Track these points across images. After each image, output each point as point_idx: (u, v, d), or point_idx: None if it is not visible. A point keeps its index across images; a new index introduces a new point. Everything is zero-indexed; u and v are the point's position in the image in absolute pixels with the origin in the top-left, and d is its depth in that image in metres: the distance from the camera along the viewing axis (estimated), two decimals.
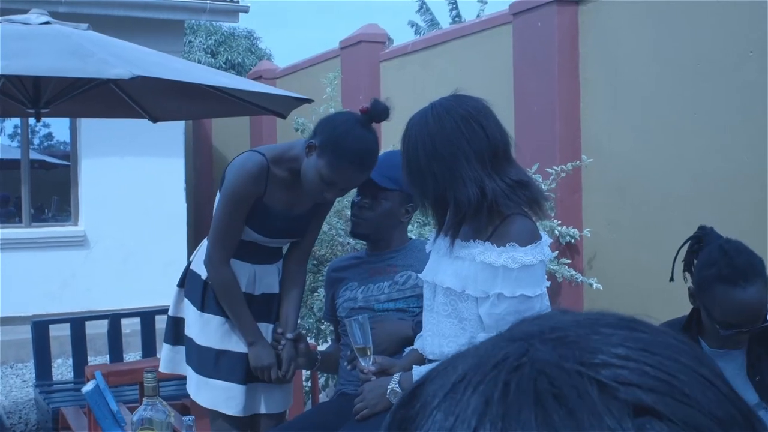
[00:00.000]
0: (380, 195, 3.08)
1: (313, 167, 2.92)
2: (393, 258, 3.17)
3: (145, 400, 2.69)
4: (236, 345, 3.15)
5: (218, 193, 3.13)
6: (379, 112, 2.92)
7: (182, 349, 3.27)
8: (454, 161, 2.38)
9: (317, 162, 2.90)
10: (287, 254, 3.34)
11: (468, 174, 2.36)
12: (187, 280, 3.27)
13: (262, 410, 3.24)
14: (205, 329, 3.16)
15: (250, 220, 3.08)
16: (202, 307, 3.17)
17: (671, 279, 2.82)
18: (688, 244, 2.80)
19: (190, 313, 3.21)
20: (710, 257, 2.61)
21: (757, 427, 0.50)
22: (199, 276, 3.19)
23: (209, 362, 3.14)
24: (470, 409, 0.49)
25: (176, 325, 3.28)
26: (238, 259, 3.14)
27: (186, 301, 3.24)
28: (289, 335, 3.18)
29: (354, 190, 3.18)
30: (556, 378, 0.49)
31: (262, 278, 3.22)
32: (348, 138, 2.88)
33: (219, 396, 3.15)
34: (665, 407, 0.48)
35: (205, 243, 3.20)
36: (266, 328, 3.21)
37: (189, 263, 3.30)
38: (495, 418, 0.48)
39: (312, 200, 3.12)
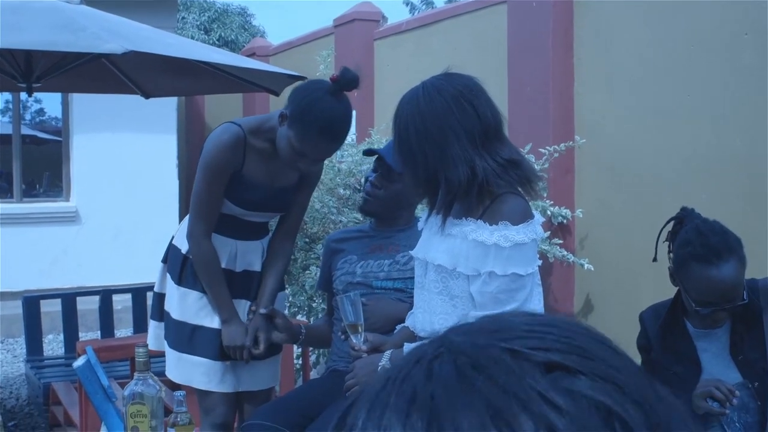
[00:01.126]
0: (394, 176, 3.06)
1: (285, 137, 2.91)
2: (397, 236, 3.15)
3: (136, 374, 2.70)
4: (211, 321, 3.12)
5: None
6: (348, 80, 2.90)
7: None
8: (445, 140, 2.37)
9: (288, 132, 2.89)
10: (274, 230, 3.32)
11: (458, 153, 2.36)
12: (168, 254, 3.26)
13: (246, 387, 3.23)
14: (182, 303, 3.14)
15: (230, 192, 3.05)
16: (179, 281, 3.15)
17: (654, 259, 2.84)
18: (670, 225, 2.83)
19: (169, 287, 3.20)
20: (686, 237, 2.66)
21: (652, 380, 0.56)
22: (179, 250, 3.17)
23: (184, 337, 3.13)
24: (400, 400, 0.53)
25: (162, 302, 3.27)
26: (220, 234, 3.11)
27: (168, 276, 3.24)
28: (262, 310, 3.14)
29: (369, 166, 3.19)
30: (472, 354, 0.54)
31: (244, 255, 3.18)
32: (316, 107, 2.85)
33: (193, 372, 3.13)
34: (572, 362, 0.53)
35: (187, 219, 3.19)
36: (245, 306, 3.19)
37: (171, 238, 3.29)
38: (424, 399, 0.52)
39: (293, 171, 3.11)
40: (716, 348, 2.72)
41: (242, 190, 3.05)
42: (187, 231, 3.11)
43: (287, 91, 5.50)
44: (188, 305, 3.13)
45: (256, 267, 3.22)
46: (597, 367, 0.53)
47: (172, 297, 3.17)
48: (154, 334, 3.30)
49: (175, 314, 3.16)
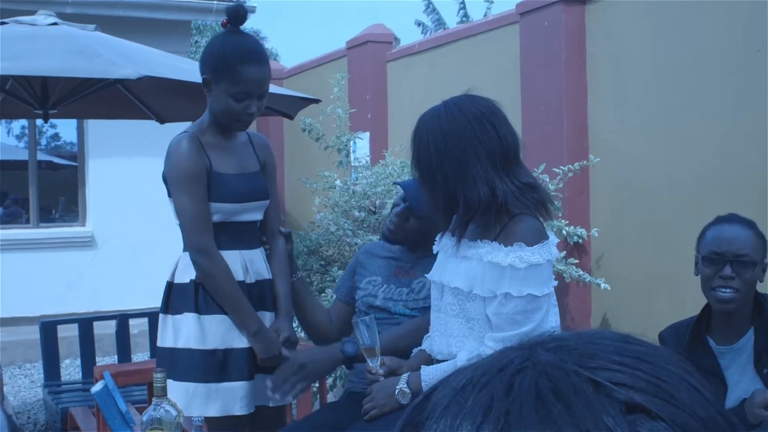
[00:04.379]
0: (421, 214, 3.01)
1: (219, 96, 2.94)
2: (419, 263, 3.09)
3: (154, 400, 2.69)
4: (240, 340, 3.05)
5: (169, 197, 3.08)
6: (237, 14, 2.98)
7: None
8: (466, 159, 2.39)
9: (219, 88, 2.93)
10: (262, 236, 3.25)
11: (479, 173, 2.38)
12: (173, 296, 3.13)
13: (268, 402, 3.18)
14: (208, 332, 3.05)
15: (213, 192, 3.01)
16: (198, 310, 3.05)
17: (696, 273, 2.88)
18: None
19: (185, 325, 3.07)
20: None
21: (734, 425, 0.55)
22: (187, 283, 3.08)
23: (216, 366, 3.04)
24: (476, 407, 0.53)
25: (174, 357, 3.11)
26: (224, 249, 3.05)
27: (175, 318, 3.10)
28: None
29: (383, 188, 3.15)
30: (555, 377, 0.53)
31: (252, 263, 3.13)
32: (227, 48, 2.94)
33: (232, 399, 3.04)
34: (654, 406, 0.52)
35: (181, 257, 3.12)
36: (263, 317, 3.11)
37: (170, 283, 3.16)
38: (499, 413, 0.52)
39: (253, 157, 3.14)
40: (740, 363, 2.72)
41: (223, 184, 3.03)
42: (191, 254, 3.03)
43: (301, 114, 5.54)
44: (213, 331, 3.05)
45: (266, 275, 3.18)
46: (679, 416, 0.52)
47: (194, 332, 3.06)
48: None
49: (205, 345, 3.05)
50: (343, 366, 3.13)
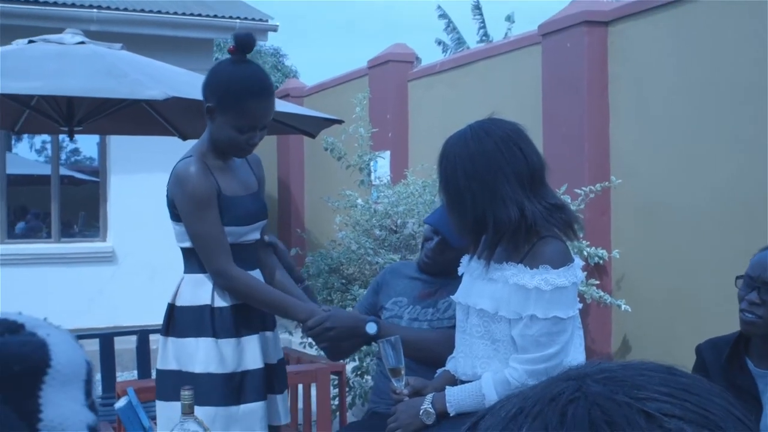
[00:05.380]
0: (456, 245, 3.00)
1: (223, 126, 2.89)
2: (445, 285, 3.11)
3: (181, 417, 2.71)
4: (254, 361, 3.05)
5: (173, 220, 3.06)
6: (246, 43, 2.92)
7: None
8: (495, 181, 2.41)
9: (223, 118, 2.88)
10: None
11: (509, 194, 2.40)
12: (176, 319, 3.07)
13: (280, 421, 3.17)
14: (226, 356, 3.02)
15: (227, 216, 2.99)
16: (215, 334, 3.01)
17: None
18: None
19: (203, 349, 3.02)
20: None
21: None
22: (200, 306, 3.02)
23: (235, 388, 3.02)
24: None
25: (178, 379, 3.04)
26: None
27: (181, 341, 3.05)
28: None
29: (404, 207, 3.15)
30: (608, 408, 0.54)
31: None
32: (235, 80, 2.88)
33: (252, 420, 3.04)
34: None
35: (183, 279, 3.07)
36: (264, 337, 3.11)
37: (172, 305, 3.09)
38: None
39: (252, 176, 3.13)
40: None
41: (233, 207, 3.01)
42: (216, 279, 3.00)
43: (323, 133, 5.57)
44: (229, 354, 3.02)
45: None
46: None
47: (212, 356, 3.01)
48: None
49: (218, 368, 3.01)
50: (358, 377, 3.14)
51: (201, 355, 3.01)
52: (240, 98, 2.86)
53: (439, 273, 3.14)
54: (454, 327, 2.76)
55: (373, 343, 3.10)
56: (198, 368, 3.01)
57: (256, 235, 3.17)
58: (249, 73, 2.91)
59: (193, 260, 3.05)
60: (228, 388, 3.03)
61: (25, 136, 10.56)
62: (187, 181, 2.94)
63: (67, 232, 10.15)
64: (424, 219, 3.68)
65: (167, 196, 3.05)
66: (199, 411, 2.97)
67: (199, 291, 3.02)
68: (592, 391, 0.56)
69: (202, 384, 2.98)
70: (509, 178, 2.41)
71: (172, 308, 3.08)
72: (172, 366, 3.05)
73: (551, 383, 0.59)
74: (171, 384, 3.01)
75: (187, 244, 3.05)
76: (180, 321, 3.04)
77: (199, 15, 9.43)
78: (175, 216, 3.04)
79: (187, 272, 3.07)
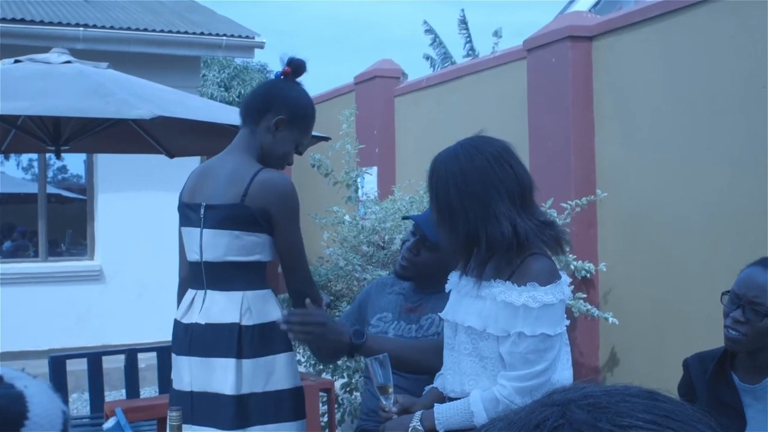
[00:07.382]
0: (431, 244, 3.01)
1: (286, 138, 3.01)
2: (428, 300, 3.11)
3: None
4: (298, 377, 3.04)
5: (254, 231, 2.91)
6: (301, 68, 3.10)
7: None
8: (488, 198, 2.42)
9: (290, 133, 3.01)
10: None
11: (501, 211, 2.41)
12: (251, 340, 2.89)
13: None
14: (292, 368, 2.98)
15: None
16: (291, 348, 2.96)
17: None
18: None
19: (279, 366, 2.92)
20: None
21: None
22: (272, 323, 2.90)
23: (302, 402, 2.99)
24: None
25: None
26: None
27: (264, 360, 2.91)
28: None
29: (392, 224, 3.19)
30: None
31: None
32: (307, 100, 3.09)
33: None
34: None
35: (245, 297, 2.90)
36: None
37: (240, 326, 2.88)
38: None
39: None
40: (763, 404, 2.72)
41: None
42: (305, 286, 2.97)
43: (310, 150, 5.57)
44: (295, 368, 3.01)
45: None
46: None
47: (284, 369, 2.93)
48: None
49: (292, 383, 2.96)
50: (346, 382, 3.12)
51: (285, 370, 2.94)
52: (310, 118, 3.09)
53: (414, 278, 3.13)
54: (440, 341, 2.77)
55: (361, 358, 3.09)
56: (286, 384, 2.94)
57: None
58: (308, 96, 3.13)
59: (255, 275, 2.94)
60: (297, 402, 2.99)
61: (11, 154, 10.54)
62: (292, 194, 2.96)
63: (55, 250, 10.12)
64: (405, 215, 3.70)
65: (247, 205, 2.87)
66: (290, 426, 2.93)
67: (268, 307, 2.93)
68: (576, 419, 0.57)
69: (288, 399, 2.94)
70: (501, 195, 2.43)
71: (240, 329, 2.88)
72: (256, 389, 2.88)
73: (535, 408, 0.60)
74: (256, 407, 2.88)
75: (255, 258, 2.92)
76: (252, 340, 2.88)
77: (186, 32, 9.42)
78: (259, 227, 2.90)
79: (247, 289, 2.92)
